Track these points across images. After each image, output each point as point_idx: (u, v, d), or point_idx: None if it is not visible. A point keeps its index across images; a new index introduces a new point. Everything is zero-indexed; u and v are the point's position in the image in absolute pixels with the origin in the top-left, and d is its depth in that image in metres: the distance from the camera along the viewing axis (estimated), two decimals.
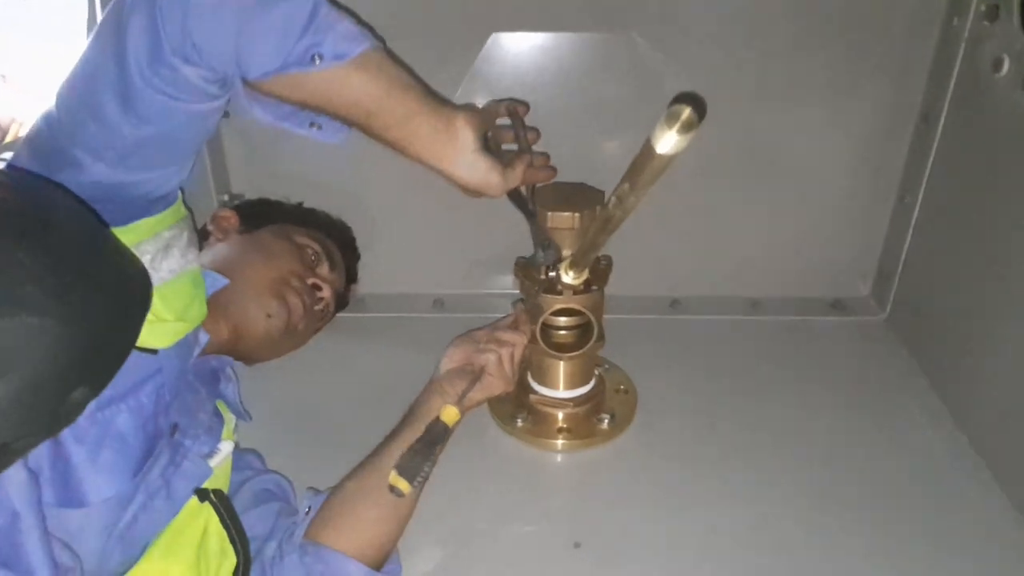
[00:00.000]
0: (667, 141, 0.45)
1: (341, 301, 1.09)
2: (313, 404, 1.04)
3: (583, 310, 0.88)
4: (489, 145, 0.70)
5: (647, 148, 0.47)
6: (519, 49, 1.07)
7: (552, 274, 0.86)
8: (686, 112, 0.44)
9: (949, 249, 1.03)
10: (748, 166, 1.14)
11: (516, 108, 0.88)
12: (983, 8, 0.91)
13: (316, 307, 0.98)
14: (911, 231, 1.11)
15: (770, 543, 0.81)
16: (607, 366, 1.06)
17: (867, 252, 1.21)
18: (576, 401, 0.97)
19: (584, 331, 0.93)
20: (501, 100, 0.93)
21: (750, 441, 0.95)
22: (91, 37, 0.61)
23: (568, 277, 0.83)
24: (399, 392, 0.91)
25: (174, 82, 0.58)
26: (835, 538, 0.81)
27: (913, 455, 0.92)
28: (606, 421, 0.96)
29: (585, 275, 0.83)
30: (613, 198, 0.59)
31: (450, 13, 1.05)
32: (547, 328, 0.91)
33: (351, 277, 1.12)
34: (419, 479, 0.72)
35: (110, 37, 0.58)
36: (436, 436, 0.76)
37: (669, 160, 0.48)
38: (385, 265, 1.21)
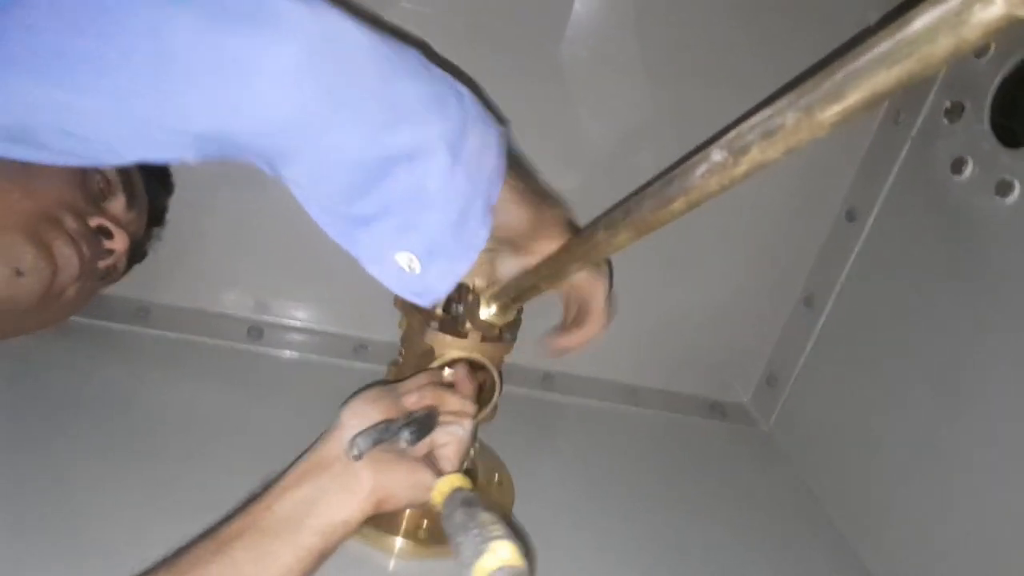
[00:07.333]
0: None
1: (136, 252, 0.74)
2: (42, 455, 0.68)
3: (487, 365, 0.64)
4: None
5: None
6: None
7: (458, 307, 0.61)
8: None
9: (854, 363, 0.93)
10: (641, 243, 0.98)
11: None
12: (947, 105, 0.83)
13: (100, 263, 0.65)
14: (814, 337, 1.00)
15: None
16: (477, 445, 0.81)
17: (755, 356, 1.10)
18: None
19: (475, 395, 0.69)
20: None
21: (636, 556, 0.76)
22: None
23: (488, 312, 0.57)
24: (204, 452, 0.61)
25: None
26: None
27: None
28: None
29: (512, 316, 0.58)
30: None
31: None
32: None
33: (156, 217, 0.77)
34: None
35: None
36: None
37: None
38: (192, 268, 0.90)
